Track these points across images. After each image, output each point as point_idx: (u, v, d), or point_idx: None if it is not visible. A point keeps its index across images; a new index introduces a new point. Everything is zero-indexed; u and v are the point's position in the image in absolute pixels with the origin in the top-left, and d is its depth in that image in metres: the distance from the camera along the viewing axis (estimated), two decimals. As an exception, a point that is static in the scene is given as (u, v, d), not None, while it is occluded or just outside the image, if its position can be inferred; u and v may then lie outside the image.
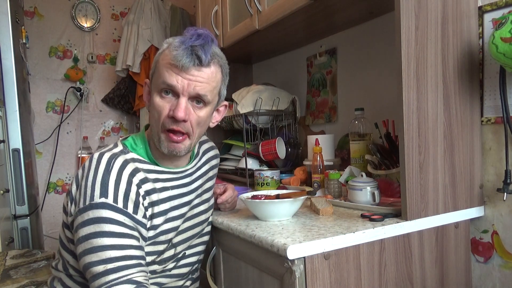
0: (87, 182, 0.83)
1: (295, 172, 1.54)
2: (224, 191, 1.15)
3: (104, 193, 0.81)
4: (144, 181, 0.89)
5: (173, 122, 0.87)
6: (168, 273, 0.98)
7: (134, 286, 0.77)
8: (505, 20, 0.93)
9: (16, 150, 1.81)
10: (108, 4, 2.87)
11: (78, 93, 2.73)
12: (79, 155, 2.71)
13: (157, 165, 0.94)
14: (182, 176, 0.99)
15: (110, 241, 0.78)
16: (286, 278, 0.83)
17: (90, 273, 0.78)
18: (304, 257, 0.81)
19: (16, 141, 1.81)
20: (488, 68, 1.09)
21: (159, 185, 0.92)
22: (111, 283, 0.76)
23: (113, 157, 0.86)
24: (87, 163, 0.86)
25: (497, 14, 1.07)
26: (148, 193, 0.89)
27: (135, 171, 0.87)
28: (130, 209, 0.83)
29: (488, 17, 1.09)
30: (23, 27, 2.08)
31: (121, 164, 0.86)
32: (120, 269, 0.77)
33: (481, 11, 1.10)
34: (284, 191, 1.14)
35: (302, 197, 1.03)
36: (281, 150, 1.62)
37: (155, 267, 0.94)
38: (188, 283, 1.06)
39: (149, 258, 0.91)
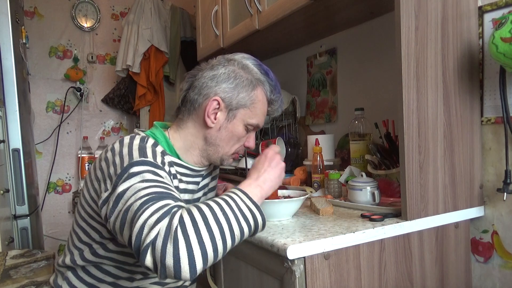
0: (123, 151, 0.83)
1: (295, 172, 1.54)
2: (225, 190, 1.16)
3: (142, 155, 0.82)
4: (171, 164, 0.92)
5: (242, 149, 1.02)
6: None
7: (172, 205, 0.71)
8: (505, 20, 0.93)
9: (16, 150, 1.81)
10: (108, 4, 2.87)
11: (78, 93, 2.73)
12: (79, 155, 2.71)
13: (179, 158, 0.97)
14: (197, 175, 1.01)
15: (154, 187, 0.74)
16: (286, 278, 0.83)
17: (132, 211, 0.71)
18: (304, 257, 0.81)
19: (16, 141, 1.81)
20: (488, 68, 1.09)
21: (178, 175, 0.95)
22: (151, 204, 0.71)
23: (145, 137, 0.90)
24: (117, 143, 0.87)
25: (497, 14, 1.07)
26: (175, 176, 0.92)
27: (165, 153, 0.91)
28: (167, 170, 0.85)
29: (488, 17, 1.09)
30: (23, 27, 2.08)
31: (153, 143, 0.90)
32: (161, 199, 0.72)
33: (481, 11, 1.10)
34: (284, 191, 1.14)
35: (302, 197, 1.03)
36: (281, 150, 1.62)
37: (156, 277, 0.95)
38: (187, 282, 1.06)
39: None
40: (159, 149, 0.90)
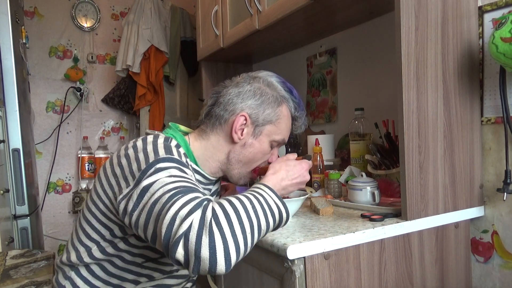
0: (147, 148, 0.82)
1: (295, 172, 1.54)
2: (226, 190, 1.16)
3: (169, 153, 0.82)
4: (191, 166, 0.92)
5: (264, 164, 1.01)
6: (175, 273, 0.99)
7: (202, 198, 0.70)
8: (505, 20, 0.93)
9: (16, 150, 1.81)
10: (108, 4, 2.87)
11: (78, 93, 2.73)
12: (79, 155, 2.71)
13: (197, 165, 0.97)
14: (210, 183, 1.02)
15: (181, 181, 0.74)
16: (286, 278, 0.83)
17: (160, 204, 0.70)
18: (304, 257, 0.81)
19: (16, 141, 1.81)
20: (488, 68, 1.09)
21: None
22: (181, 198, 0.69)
23: (169, 138, 0.90)
24: (139, 141, 0.86)
25: (497, 14, 1.07)
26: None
27: (186, 155, 0.91)
28: (191, 170, 0.85)
29: (488, 17, 1.09)
30: (23, 27, 2.08)
31: (176, 144, 0.90)
32: (190, 192, 0.72)
33: (481, 11, 1.10)
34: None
35: (302, 197, 1.03)
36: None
37: (164, 267, 0.95)
38: (188, 284, 1.06)
39: (160, 257, 0.92)
40: (181, 150, 0.90)
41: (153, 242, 0.71)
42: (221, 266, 0.62)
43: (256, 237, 0.69)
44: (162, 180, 0.73)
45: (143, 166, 0.78)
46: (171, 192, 0.69)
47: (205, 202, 0.68)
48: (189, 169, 0.83)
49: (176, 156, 0.82)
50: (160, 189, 0.71)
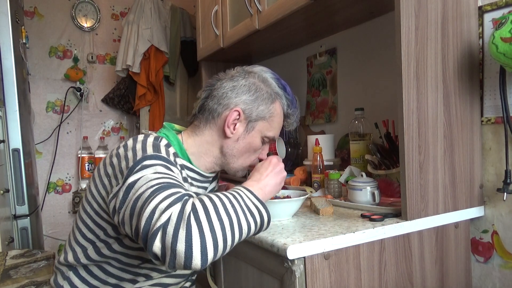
0: (136, 146, 0.83)
1: (295, 172, 1.54)
2: (226, 190, 1.16)
3: (156, 151, 0.83)
4: (182, 167, 0.92)
5: (257, 161, 1.01)
6: (173, 273, 0.99)
7: (184, 193, 0.71)
8: (505, 20, 0.93)
9: (16, 150, 1.81)
10: (108, 4, 2.87)
11: (78, 93, 2.73)
12: (79, 155, 2.71)
13: (190, 163, 0.97)
14: (206, 181, 1.02)
15: (165, 178, 0.75)
16: (286, 278, 0.83)
17: (142, 199, 0.70)
18: (304, 257, 0.81)
19: (16, 141, 1.81)
20: (488, 68, 1.09)
21: (189, 179, 0.95)
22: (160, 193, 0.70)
23: (159, 137, 0.91)
24: (130, 140, 0.88)
25: (497, 14, 1.07)
26: (185, 179, 0.92)
27: (176, 155, 0.92)
28: (178, 169, 0.86)
29: (488, 17, 1.09)
30: (23, 27, 2.08)
31: (167, 143, 0.90)
32: (171, 187, 0.72)
33: (481, 11, 1.10)
34: (284, 191, 1.14)
35: (302, 197, 1.03)
36: (281, 150, 1.62)
37: (161, 267, 0.95)
38: (187, 284, 1.06)
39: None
40: (171, 150, 0.90)
41: (136, 237, 0.71)
42: (196, 261, 0.62)
43: (236, 235, 0.69)
44: (147, 176, 0.74)
45: (130, 163, 0.80)
46: (154, 188, 0.70)
47: (186, 197, 0.69)
48: (177, 168, 0.84)
49: (164, 154, 0.83)
50: (144, 185, 0.72)
